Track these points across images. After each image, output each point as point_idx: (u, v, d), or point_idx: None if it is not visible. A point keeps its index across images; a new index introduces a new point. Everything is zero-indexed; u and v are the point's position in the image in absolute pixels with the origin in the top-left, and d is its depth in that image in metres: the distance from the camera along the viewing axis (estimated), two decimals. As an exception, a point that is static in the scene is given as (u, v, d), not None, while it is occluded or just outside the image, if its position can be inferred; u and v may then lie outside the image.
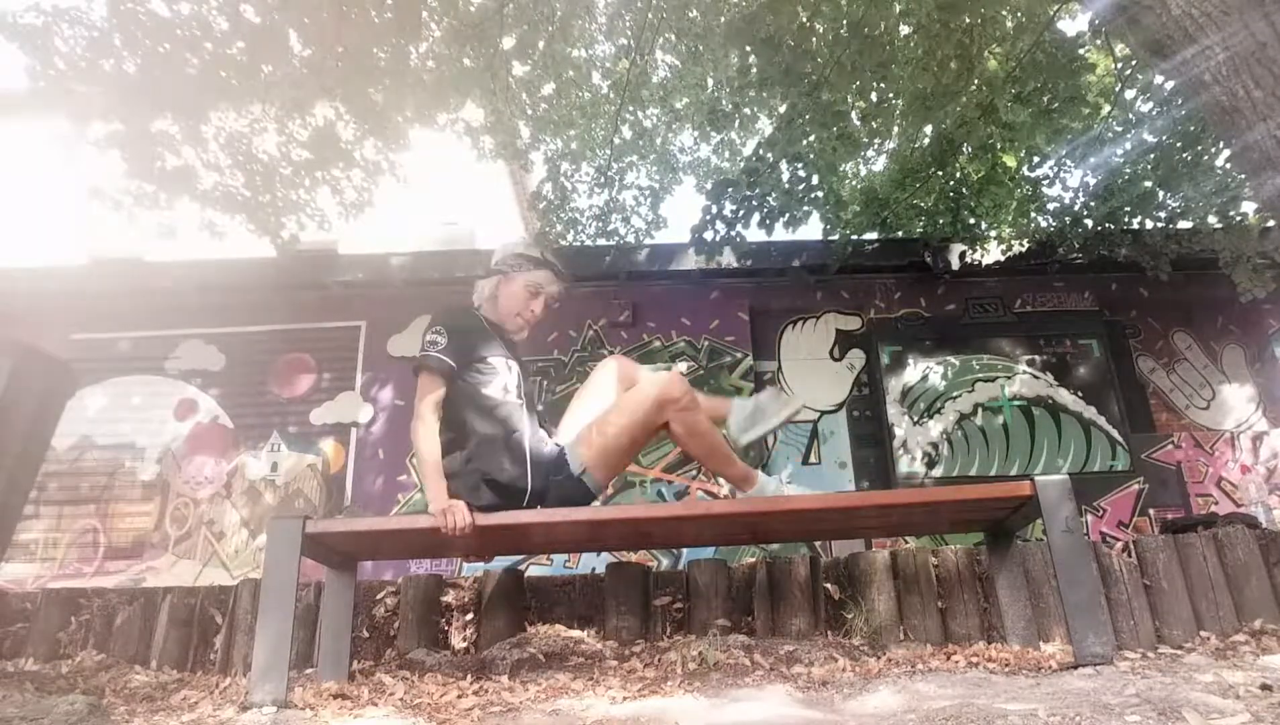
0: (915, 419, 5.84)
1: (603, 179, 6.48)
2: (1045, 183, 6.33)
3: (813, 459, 5.78)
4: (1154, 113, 5.65)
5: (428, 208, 8.34)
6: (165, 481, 5.67)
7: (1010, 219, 6.48)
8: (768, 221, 5.18)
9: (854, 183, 7.29)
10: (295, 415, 5.83)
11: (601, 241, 6.34)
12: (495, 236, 9.14)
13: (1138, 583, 2.61)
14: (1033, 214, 6.37)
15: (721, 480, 4.90)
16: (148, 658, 2.68)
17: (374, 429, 5.80)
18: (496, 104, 6.27)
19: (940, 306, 6.19)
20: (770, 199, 5.14)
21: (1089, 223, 5.71)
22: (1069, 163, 5.99)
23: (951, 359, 6.00)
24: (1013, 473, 5.63)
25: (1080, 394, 5.89)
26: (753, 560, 2.80)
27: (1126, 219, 5.71)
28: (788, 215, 5.16)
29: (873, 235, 6.60)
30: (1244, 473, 5.76)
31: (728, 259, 5.77)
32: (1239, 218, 5.36)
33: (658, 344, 6.05)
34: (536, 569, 5.03)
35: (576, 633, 2.63)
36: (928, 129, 6.25)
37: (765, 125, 6.81)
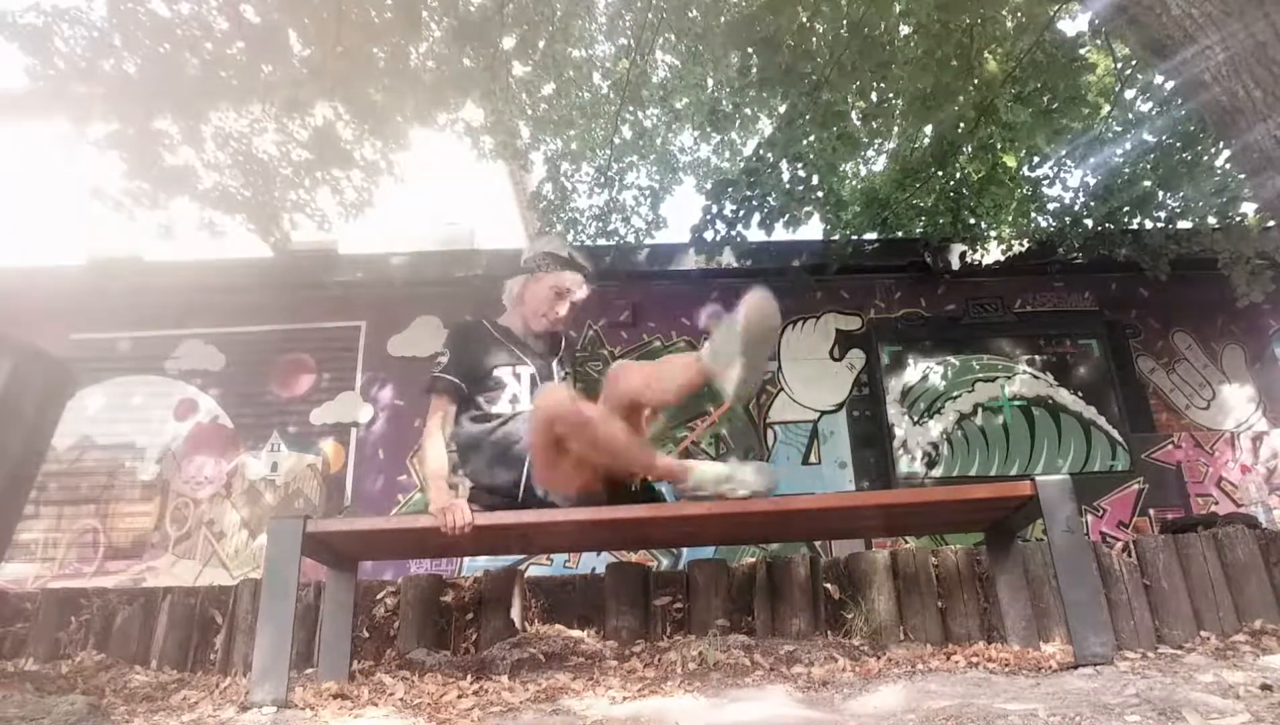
0: (915, 419, 5.84)
1: (603, 179, 6.48)
2: (1045, 183, 6.32)
3: (812, 459, 5.77)
4: (1154, 113, 5.65)
5: (428, 208, 8.33)
6: (165, 481, 5.67)
7: (1010, 219, 6.47)
8: (768, 222, 5.17)
9: (854, 183, 7.29)
10: (295, 415, 5.83)
11: (601, 241, 6.34)
12: (495, 236, 9.20)
13: (1138, 583, 2.61)
14: (1033, 214, 6.36)
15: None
16: (148, 658, 2.68)
17: (374, 429, 5.80)
18: (496, 104, 6.27)
19: (940, 306, 6.19)
20: (770, 199, 5.13)
21: (1089, 223, 5.71)
22: (1069, 163, 5.99)
23: (951, 359, 6.00)
24: (1013, 473, 5.61)
25: (1080, 394, 5.88)
26: (753, 560, 2.81)
27: (1126, 219, 5.71)
28: (788, 215, 5.15)
29: (873, 235, 6.60)
30: (1244, 473, 5.75)
31: (728, 259, 5.76)
32: (1238, 218, 5.36)
33: (658, 344, 6.05)
34: (536, 569, 5.03)
35: (576, 633, 2.63)
36: (928, 129, 6.25)
37: (765, 125, 6.81)
